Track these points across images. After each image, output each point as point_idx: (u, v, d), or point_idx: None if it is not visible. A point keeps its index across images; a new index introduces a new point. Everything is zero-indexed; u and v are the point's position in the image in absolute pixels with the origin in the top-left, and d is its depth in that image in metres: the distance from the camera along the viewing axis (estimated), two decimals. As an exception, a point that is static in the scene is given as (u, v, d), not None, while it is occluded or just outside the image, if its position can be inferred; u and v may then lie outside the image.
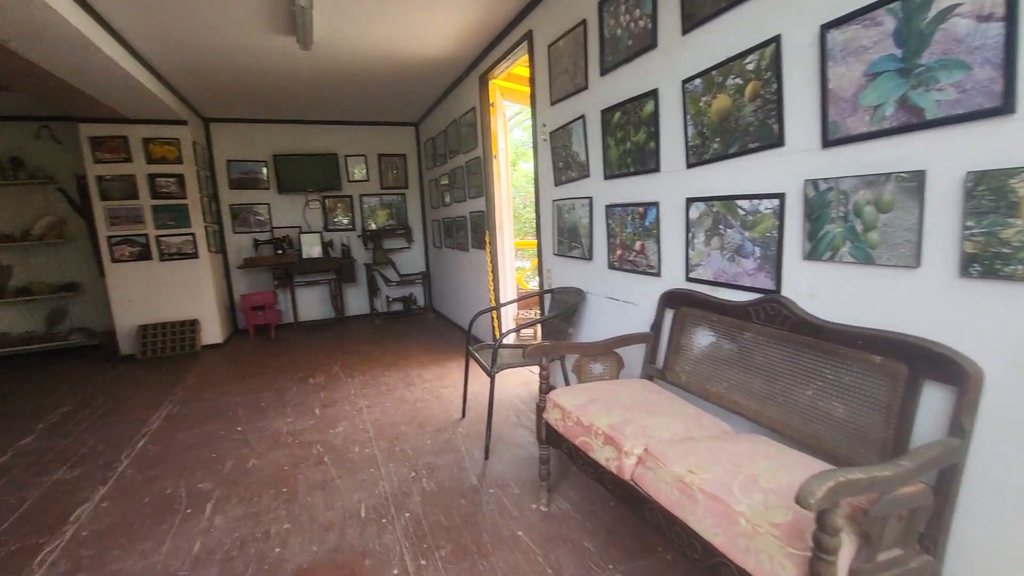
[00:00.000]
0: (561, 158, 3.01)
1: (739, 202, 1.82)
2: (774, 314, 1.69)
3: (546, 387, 2.10)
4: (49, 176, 5.20)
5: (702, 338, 2.02)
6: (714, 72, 1.86)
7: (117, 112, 4.45)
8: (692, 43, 1.97)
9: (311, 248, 5.98)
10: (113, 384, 4.24)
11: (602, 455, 1.69)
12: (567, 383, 3.02)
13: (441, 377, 3.95)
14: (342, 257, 6.21)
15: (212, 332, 5.36)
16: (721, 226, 1.91)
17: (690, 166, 2.04)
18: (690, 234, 2.08)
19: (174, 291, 5.15)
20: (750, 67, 1.71)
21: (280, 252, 5.89)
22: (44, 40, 2.83)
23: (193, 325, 5.19)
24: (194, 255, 5.17)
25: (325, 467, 2.60)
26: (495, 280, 4.31)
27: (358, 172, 6.39)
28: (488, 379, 2.65)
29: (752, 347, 1.79)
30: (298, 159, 6.01)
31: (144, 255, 5.00)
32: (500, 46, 3.68)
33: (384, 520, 2.12)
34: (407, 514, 2.15)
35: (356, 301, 6.58)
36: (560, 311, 2.98)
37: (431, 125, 5.93)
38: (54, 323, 5.47)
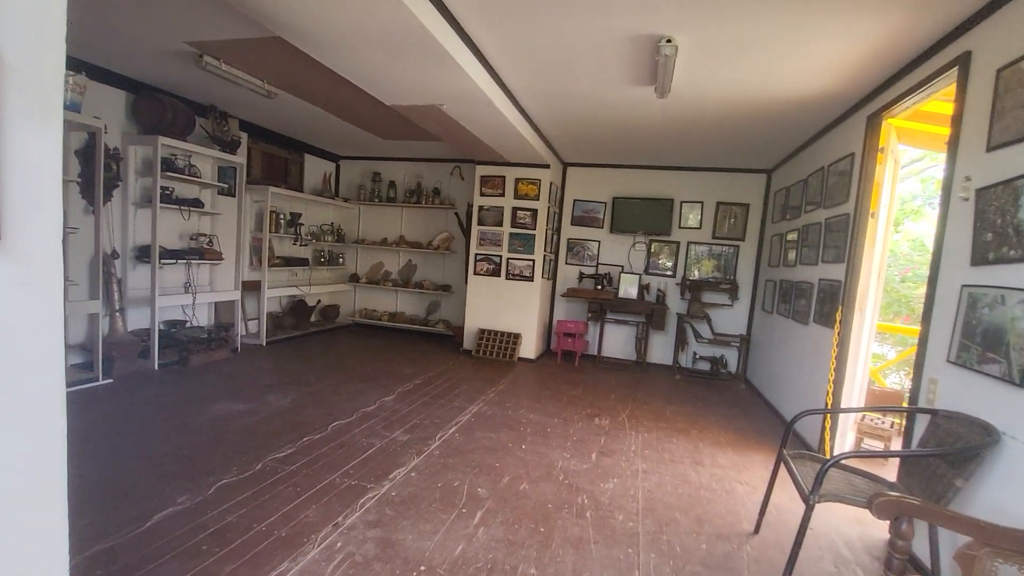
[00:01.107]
0: (992, 227, 2.05)
1: None
2: None
3: (900, 565, 1.38)
4: (451, 203, 6.89)
5: None
6: None
7: (502, 158, 5.55)
8: None
9: (628, 288, 6.06)
10: (451, 371, 5.20)
11: None
12: (936, 570, 1.99)
13: (739, 468, 3.28)
14: (655, 302, 6.06)
15: (528, 347, 6.01)
16: None
17: None
18: None
19: (509, 306, 6.02)
20: None
21: (599, 287, 6.19)
22: (463, 103, 3.71)
23: (516, 338, 5.93)
24: (530, 278, 5.93)
25: (584, 524, 2.43)
26: (838, 370, 3.34)
27: (692, 219, 6.15)
28: (803, 500, 1.98)
29: None
30: (634, 202, 6.19)
31: (495, 272, 6.04)
32: (910, 76, 2.84)
33: (628, 625, 1.79)
34: (656, 633, 1.76)
35: (660, 350, 6.32)
36: (944, 448, 2.01)
37: (787, 173, 5.17)
38: (430, 312, 7.21)
